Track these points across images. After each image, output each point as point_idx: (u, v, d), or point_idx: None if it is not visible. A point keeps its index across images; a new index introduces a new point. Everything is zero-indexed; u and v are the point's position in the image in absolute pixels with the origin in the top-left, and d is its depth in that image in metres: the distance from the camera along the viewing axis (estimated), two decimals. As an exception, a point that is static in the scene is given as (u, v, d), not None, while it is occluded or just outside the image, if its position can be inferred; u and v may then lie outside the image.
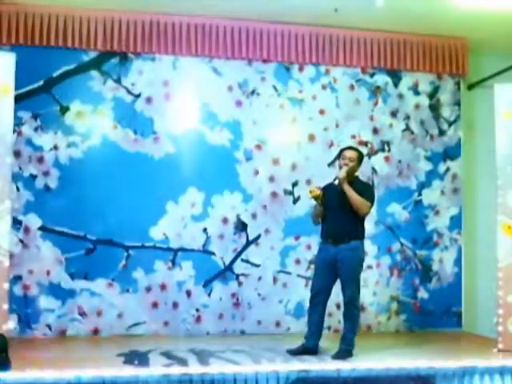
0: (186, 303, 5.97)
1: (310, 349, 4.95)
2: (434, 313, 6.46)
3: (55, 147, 5.82)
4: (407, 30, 6.37)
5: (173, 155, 6.04)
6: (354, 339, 4.94)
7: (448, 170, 6.62)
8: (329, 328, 5.88)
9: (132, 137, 5.98)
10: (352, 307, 4.94)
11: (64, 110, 5.87)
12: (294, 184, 6.27)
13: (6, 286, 4.62)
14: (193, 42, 6.05)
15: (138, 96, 6.02)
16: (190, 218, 6.04)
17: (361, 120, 6.45)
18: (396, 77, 6.57)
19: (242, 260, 6.12)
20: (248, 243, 6.15)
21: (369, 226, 5.61)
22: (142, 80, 6.04)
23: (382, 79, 6.53)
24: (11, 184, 5.03)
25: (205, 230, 6.06)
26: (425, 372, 4.51)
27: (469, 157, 6.68)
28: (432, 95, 6.64)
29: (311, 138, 6.34)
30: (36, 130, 5.79)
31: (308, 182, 6.22)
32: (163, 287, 5.93)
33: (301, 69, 6.35)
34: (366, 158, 5.93)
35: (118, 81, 5.99)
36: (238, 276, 6.10)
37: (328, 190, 5.03)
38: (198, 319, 5.98)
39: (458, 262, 6.56)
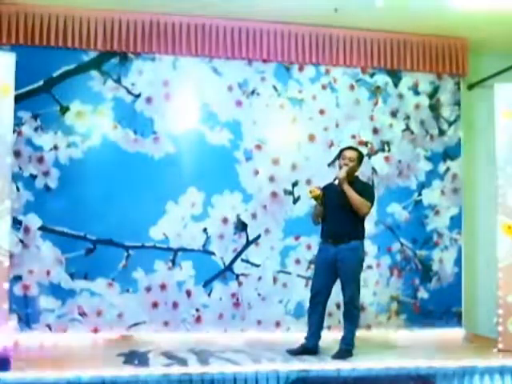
0: (186, 303, 5.97)
1: (310, 349, 4.95)
2: (434, 313, 6.45)
3: (55, 147, 5.82)
4: (407, 30, 6.36)
5: (173, 155, 6.04)
6: (353, 339, 4.95)
7: (448, 169, 6.62)
8: (329, 328, 5.86)
9: (132, 137, 5.98)
10: (352, 307, 4.95)
11: (64, 109, 5.87)
12: (294, 184, 6.27)
13: (6, 285, 4.62)
14: (193, 42, 6.05)
15: (138, 96, 6.02)
16: (189, 218, 6.04)
17: (361, 120, 6.45)
18: (396, 77, 6.56)
19: (242, 260, 6.12)
20: (248, 243, 6.15)
21: (369, 225, 5.61)
22: (142, 80, 6.04)
23: (382, 79, 6.53)
24: (11, 184, 5.02)
25: (205, 230, 6.06)
26: (425, 372, 4.52)
27: (469, 157, 6.68)
28: (432, 95, 6.64)
29: (311, 138, 6.34)
30: (36, 130, 5.79)
31: (308, 181, 6.22)
32: (163, 287, 5.93)
33: (301, 69, 6.35)
34: (365, 158, 5.94)
35: (118, 81, 5.99)
36: (237, 276, 6.10)
37: (328, 190, 5.04)
38: (198, 319, 5.98)
39: (458, 262, 6.56)
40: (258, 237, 6.17)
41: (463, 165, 6.65)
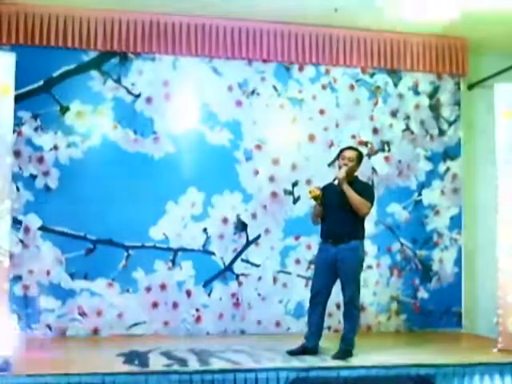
0: (186, 303, 5.97)
1: (310, 349, 4.95)
2: (434, 313, 6.46)
3: (55, 147, 5.82)
4: (407, 30, 6.36)
5: (173, 155, 6.04)
6: (353, 339, 4.94)
7: (448, 169, 6.62)
8: (329, 328, 5.87)
9: (132, 137, 5.98)
10: (352, 307, 4.94)
11: (64, 109, 5.87)
12: (294, 184, 6.27)
13: (6, 285, 4.62)
14: (193, 42, 6.05)
15: (138, 96, 6.02)
16: (189, 218, 6.04)
17: (361, 120, 6.45)
18: (396, 77, 6.57)
19: (242, 260, 6.12)
20: (248, 243, 6.15)
21: (369, 225, 5.60)
22: (142, 80, 6.04)
23: (382, 79, 6.53)
24: (11, 184, 5.02)
25: (205, 230, 6.06)
26: (425, 372, 4.51)
27: (469, 157, 6.68)
28: (432, 95, 6.64)
29: (311, 138, 6.34)
30: (36, 129, 5.79)
31: (308, 182, 6.22)
32: (163, 287, 5.93)
33: (301, 69, 6.35)
34: (365, 158, 5.95)
35: (118, 81, 5.99)
36: (238, 276, 6.10)
37: (328, 190, 5.03)
38: (198, 319, 5.98)
39: (458, 262, 6.56)
40: (258, 237, 6.17)
41: (463, 165, 6.65)
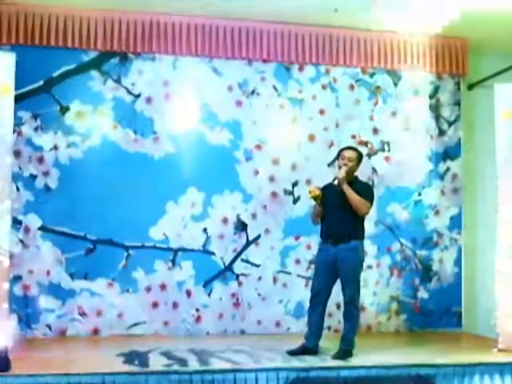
0: (186, 303, 5.97)
1: (310, 349, 4.95)
2: (434, 313, 6.46)
3: (55, 147, 5.82)
4: (407, 30, 6.34)
5: (173, 155, 6.04)
6: (354, 339, 4.94)
7: (448, 169, 6.62)
8: (329, 328, 5.87)
9: (132, 137, 5.98)
10: (352, 307, 4.95)
11: (64, 109, 5.87)
12: (294, 184, 6.27)
13: (6, 285, 4.62)
14: (193, 42, 6.05)
15: (138, 96, 6.02)
16: (189, 218, 6.04)
17: (361, 120, 6.45)
18: (396, 77, 6.57)
19: (242, 260, 6.12)
20: (248, 243, 6.15)
21: (369, 225, 5.61)
22: (142, 80, 6.04)
23: (381, 79, 6.53)
24: (11, 184, 5.02)
25: (205, 230, 6.06)
26: (425, 372, 4.52)
27: (469, 157, 6.68)
28: (432, 95, 6.64)
29: (311, 138, 6.34)
30: (36, 129, 5.79)
31: (308, 182, 6.22)
32: (163, 287, 5.93)
33: (301, 69, 6.35)
34: (365, 158, 5.95)
35: (118, 81, 5.99)
36: (238, 276, 6.10)
37: (327, 190, 5.04)
38: (198, 319, 5.98)
39: (458, 262, 6.56)
40: (258, 237, 6.17)
41: (463, 165, 6.65)
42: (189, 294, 5.98)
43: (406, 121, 6.55)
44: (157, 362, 4.58)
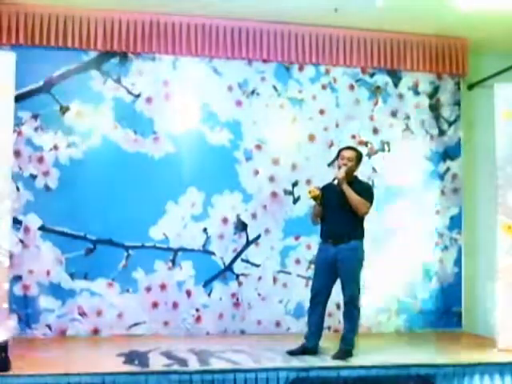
0: (186, 303, 5.97)
1: (310, 349, 4.95)
2: (434, 313, 6.46)
3: (55, 147, 5.82)
4: (407, 30, 6.36)
5: (173, 155, 6.04)
6: (354, 339, 4.94)
7: (448, 169, 6.62)
8: (329, 328, 5.87)
9: (132, 137, 5.98)
10: (352, 307, 4.95)
11: (64, 109, 5.87)
12: (294, 184, 6.27)
13: (6, 286, 4.62)
14: (193, 42, 6.05)
15: (138, 96, 6.02)
16: (189, 218, 6.04)
17: (361, 120, 6.45)
18: (396, 77, 6.56)
19: (242, 260, 6.12)
20: (248, 243, 6.15)
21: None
22: (142, 80, 6.04)
23: (381, 79, 6.53)
24: (11, 184, 5.02)
25: (205, 230, 6.06)
26: (425, 372, 4.52)
27: (469, 157, 6.68)
28: (432, 95, 6.64)
29: (311, 138, 6.34)
30: (36, 130, 5.79)
31: (308, 182, 6.22)
32: (163, 287, 5.93)
33: (301, 69, 6.35)
34: (365, 158, 5.95)
35: (118, 81, 5.99)
36: (238, 276, 6.10)
37: (327, 190, 5.04)
38: (198, 319, 5.98)
39: (458, 262, 6.56)
40: (258, 237, 6.17)
41: (463, 165, 6.65)
42: (189, 293, 5.98)
43: (406, 121, 6.55)
44: (157, 362, 4.59)
